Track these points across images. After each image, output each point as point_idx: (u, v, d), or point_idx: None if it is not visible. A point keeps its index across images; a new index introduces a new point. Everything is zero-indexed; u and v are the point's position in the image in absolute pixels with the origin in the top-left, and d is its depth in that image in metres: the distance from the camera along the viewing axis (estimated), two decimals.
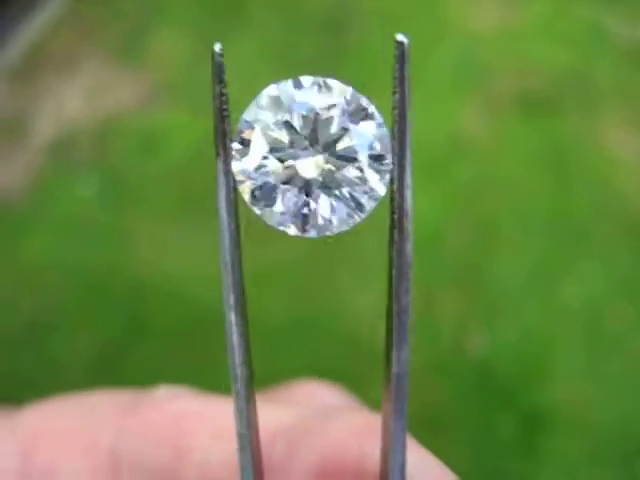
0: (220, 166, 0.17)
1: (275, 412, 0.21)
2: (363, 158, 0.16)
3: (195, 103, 1.33)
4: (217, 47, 0.17)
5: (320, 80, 0.16)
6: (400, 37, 0.16)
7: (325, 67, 1.30)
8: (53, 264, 1.15)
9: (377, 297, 1.07)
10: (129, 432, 0.21)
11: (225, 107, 0.17)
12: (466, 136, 1.23)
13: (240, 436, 0.17)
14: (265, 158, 0.16)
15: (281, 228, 0.17)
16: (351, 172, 0.16)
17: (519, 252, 1.10)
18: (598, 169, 1.18)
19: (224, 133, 0.17)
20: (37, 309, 1.08)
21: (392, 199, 0.16)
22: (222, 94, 0.17)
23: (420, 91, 1.28)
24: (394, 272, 0.16)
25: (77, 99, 1.37)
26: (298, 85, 0.16)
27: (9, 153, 1.31)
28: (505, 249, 1.11)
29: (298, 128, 0.16)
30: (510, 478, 0.95)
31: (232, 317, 0.17)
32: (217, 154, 0.16)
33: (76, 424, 0.22)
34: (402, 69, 0.16)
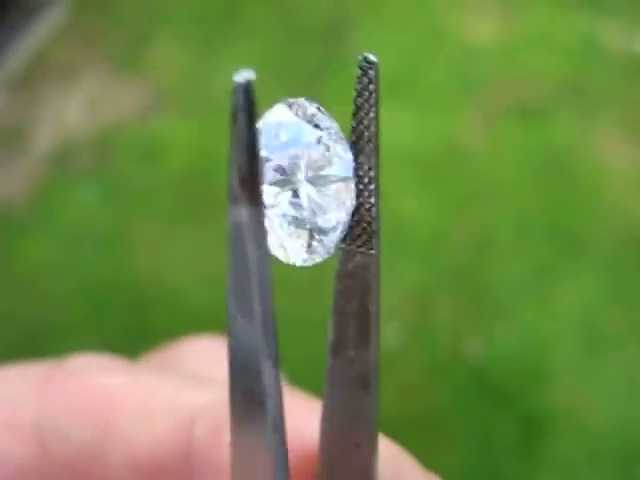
0: (245, 215, 0.13)
1: (193, 392, 0.20)
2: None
3: (194, 112, 1.34)
4: (246, 75, 0.13)
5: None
6: (371, 56, 0.14)
7: (322, 76, 1.31)
8: (53, 272, 1.16)
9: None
10: (51, 406, 0.20)
11: (257, 144, 0.13)
12: (463, 145, 1.24)
13: None
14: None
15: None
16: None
17: (516, 258, 1.11)
18: (593, 178, 1.19)
19: (255, 175, 0.13)
20: (37, 316, 1.09)
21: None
22: (253, 130, 0.13)
23: (417, 100, 1.29)
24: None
25: (77, 108, 1.38)
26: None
27: (9, 162, 1.32)
28: (502, 255, 1.11)
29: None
30: None
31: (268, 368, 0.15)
32: (236, 200, 0.13)
33: None
34: (373, 92, 0.15)
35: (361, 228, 0.15)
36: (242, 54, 1.40)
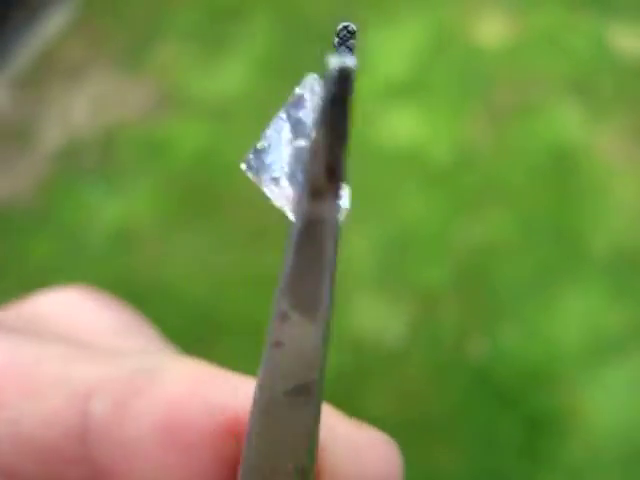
0: (327, 209, 0.12)
1: (85, 363, 0.17)
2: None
3: (199, 111, 1.34)
4: (349, 61, 0.11)
5: None
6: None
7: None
8: (58, 269, 1.16)
9: (379, 302, 1.08)
10: None
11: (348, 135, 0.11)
12: (470, 146, 1.24)
13: None
14: None
15: None
16: None
17: (521, 259, 1.11)
18: (600, 180, 1.18)
19: (343, 166, 0.12)
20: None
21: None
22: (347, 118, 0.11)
23: (424, 102, 1.29)
24: None
25: (83, 107, 1.38)
26: None
27: (16, 160, 1.32)
28: (507, 256, 1.11)
29: None
30: None
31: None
32: (319, 193, 0.12)
33: None
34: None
35: None
36: (246, 54, 1.40)
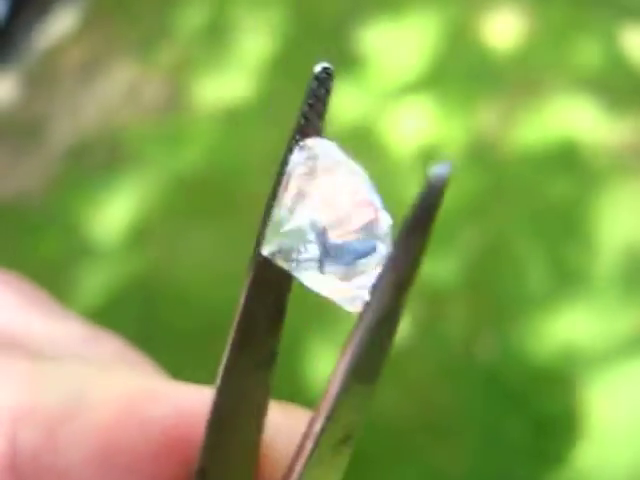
0: None
1: (13, 387, 0.16)
2: None
3: (211, 109, 1.34)
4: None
5: None
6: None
7: (338, 76, 1.31)
8: (67, 266, 1.16)
9: None
10: None
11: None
12: (480, 143, 1.24)
13: None
14: None
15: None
16: None
17: (529, 256, 1.11)
18: (613, 178, 1.18)
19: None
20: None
21: None
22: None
23: (433, 100, 1.29)
24: None
25: (93, 104, 1.38)
26: None
27: (26, 157, 1.32)
28: (517, 255, 1.11)
29: None
30: None
31: None
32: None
33: None
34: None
35: None
36: (257, 53, 1.40)
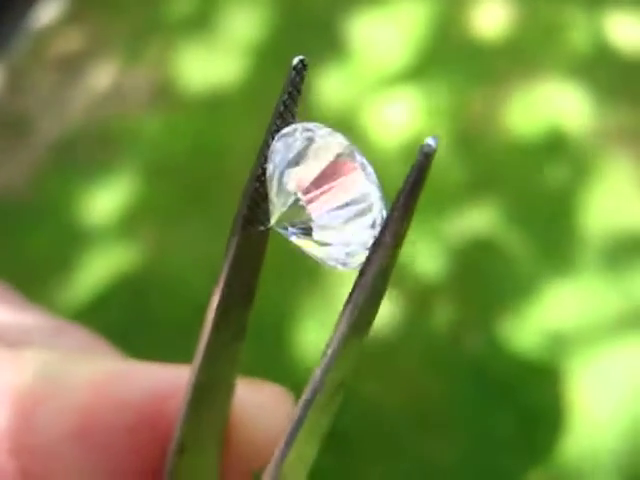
0: None
1: None
2: None
3: (200, 101, 1.33)
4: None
5: None
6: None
7: (325, 65, 1.31)
8: (55, 261, 1.16)
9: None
10: None
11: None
12: (468, 138, 1.24)
13: None
14: None
15: None
16: None
17: (517, 249, 1.11)
18: (601, 172, 1.18)
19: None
20: (38, 306, 1.09)
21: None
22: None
23: (422, 94, 1.29)
24: None
25: (80, 98, 1.38)
26: None
27: (13, 151, 1.32)
28: (505, 247, 1.11)
29: None
30: (507, 476, 0.95)
31: None
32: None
33: None
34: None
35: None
36: (242, 43, 1.39)
